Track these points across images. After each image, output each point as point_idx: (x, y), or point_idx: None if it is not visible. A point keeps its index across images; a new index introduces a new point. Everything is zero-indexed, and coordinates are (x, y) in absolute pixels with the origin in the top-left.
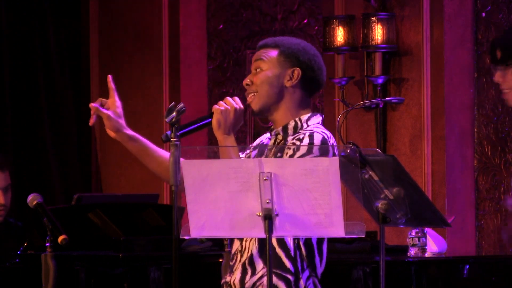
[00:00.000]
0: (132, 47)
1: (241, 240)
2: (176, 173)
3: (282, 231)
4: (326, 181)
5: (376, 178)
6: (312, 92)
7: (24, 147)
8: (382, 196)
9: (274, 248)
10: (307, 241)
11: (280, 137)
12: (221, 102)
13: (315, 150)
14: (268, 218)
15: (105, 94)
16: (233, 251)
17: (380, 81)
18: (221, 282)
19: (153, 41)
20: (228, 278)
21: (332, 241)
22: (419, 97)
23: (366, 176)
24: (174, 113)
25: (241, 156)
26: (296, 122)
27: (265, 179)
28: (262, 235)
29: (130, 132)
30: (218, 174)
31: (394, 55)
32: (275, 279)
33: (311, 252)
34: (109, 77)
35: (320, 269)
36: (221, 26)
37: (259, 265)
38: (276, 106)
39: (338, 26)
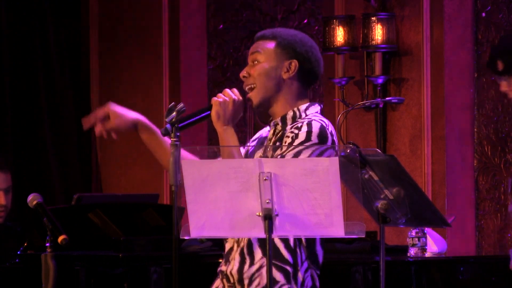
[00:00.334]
0: (132, 47)
1: None
2: (176, 173)
3: (282, 231)
4: (326, 181)
5: (376, 178)
6: (309, 83)
7: (24, 147)
8: (382, 196)
9: (273, 239)
10: None
11: (279, 127)
12: (219, 94)
13: (314, 137)
14: (268, 218)
15: (105, 94)
16: (228, 243)
17: (380, 81)
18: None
19: (153, 41)
20: (224, 268)
21: (332, 241)
22: (419, 97)
23: (366, 176)
24: (174, 113)
25: (242, 150)
26: (294, 112)
27: (265, 179)
28: (262, 235)
29: (144, 120)
30: (218, 174)
31: (394, 55)
32: (273, 270)
33: (311, 243)
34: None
35: (321, 259)
36: (221, 26)
37: (258, 254)
38: (274, 99)
39: (338, 26)
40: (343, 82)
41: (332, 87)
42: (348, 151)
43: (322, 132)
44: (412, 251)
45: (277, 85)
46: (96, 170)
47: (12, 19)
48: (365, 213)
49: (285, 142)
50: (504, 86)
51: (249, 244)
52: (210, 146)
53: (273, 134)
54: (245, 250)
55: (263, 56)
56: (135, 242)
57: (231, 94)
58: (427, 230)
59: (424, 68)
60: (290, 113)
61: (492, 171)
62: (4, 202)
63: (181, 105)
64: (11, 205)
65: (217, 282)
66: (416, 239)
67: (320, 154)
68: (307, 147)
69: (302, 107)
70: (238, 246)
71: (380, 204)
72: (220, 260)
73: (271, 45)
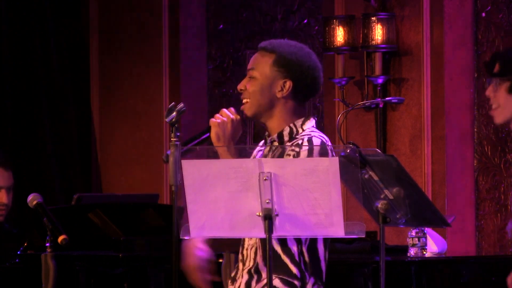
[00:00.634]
0: (132, 47)
1: (242, 248)
2: (176, 173)
3: (282, 231)
4: (326, 181)
5: (376, 178)
6: (305, 100)
7: (24, 147)
8: (382, 196)
9: (279, 255)
10: (311, 247)
11: (276, 143)
12: (217, 115)
13: (315, 154)
14: (268, 218)
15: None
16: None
17: (380, 81)
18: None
19: (153, 41)
20: (231, 287)
21: (332, 241)
22: (419, 97)
23: (366, 176)
24: (174, 113)
25: None
26: (291, 128)
27: (265, 179)
28: (262, 235)
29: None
30: (218, 174)
31: (394, 55)
32: (281, 285)
33: (315, 258)
34: None
35: (324, 276)
36: (221, 26)
37: (265, 273)
38: (268, 114)
39: (338, 26)
40: (343, 82)
41: (332, 87)
42: (348, 151)
43: (323, 148)
44: (412, 251)
45: (271, 103)
46: (96, 170)
47: (12, 19)
48: (365, 213)
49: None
50: (489, 90)
51: (256, 265)
52: (210, 146)
53: (269, 150)
54: (252, 270)
55: (259, 73)
56: (135, 242)
57: (229, 114)
58: (427, 230)
59: (424, 68)
60: (287, 130)
61: (492, 171)
62: (6, 200)
63: (181, 105)
64: (11, 205)
65: None
66: (416, 239)
67: None
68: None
69: (298, 122)
70: (243, 265)
71: (380, 204)
72: (220, 260)
73: (268, 61)
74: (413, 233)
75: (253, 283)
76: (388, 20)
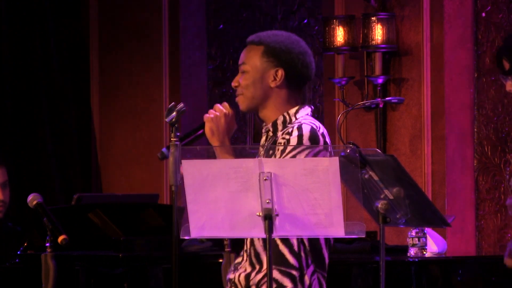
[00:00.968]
0: (132, 47)
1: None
2: (176, 173)
3: (282, 231)
4: (326, 181)
5: (376, 178)
6: (299, 87)
7: (24, 147)
8: (382, 196)
9: (278, 245)
10: None
11: (270, 133)
12: (210, 110)
13: (305, 140)
14: (268, 218)
15: (105, 94)
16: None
17: (380, 81)
18: (222, 282)
19: (153, 41)
20: (232, 276)
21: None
22: (419, 97)
23: (366, 176)
24: (174, 113)
25: None
26: (284, 117)
27: (265, 179)
28: (262, 235)
29: None
30: (218, 174)
31: (394, 55)
32: (280, 276)
33: (316, 247)
34: None
35: (327, 261)
36: (221, 26)
37: (266, 262)
38: (263, 105)
39: (338, 26)
40: (343, 82)
41: (332, 87)
42: (348, 151)
43: (313, 134)
44: (412, 251)
45: (265, 94)
46: (96, 170)
47: (12, 19)
48: (365, 213)
49: (278, 150)
50: (510, 85)
51: (256, 253)
52: (210, 146)
53: (266, 140)
54: (253, 259)
55: (250, 67)
56: (135, 242)
57: (222, 108)
58: (427, 230)
59: (424, 68)
60: (281, 118)
61: (492, 171)
62: (2, 197)
63: (181, 105)
64: (10, 204)
65: None
66: (416, 239)
67: (314, 156)
68: (300, 151)
69: (292, 111)
70: (247, 255)
71: (380, 204)
72: (220, 260)
73: (257, 53)
74: (413, 233)
75: (253, 274)
76: (388, 20)
